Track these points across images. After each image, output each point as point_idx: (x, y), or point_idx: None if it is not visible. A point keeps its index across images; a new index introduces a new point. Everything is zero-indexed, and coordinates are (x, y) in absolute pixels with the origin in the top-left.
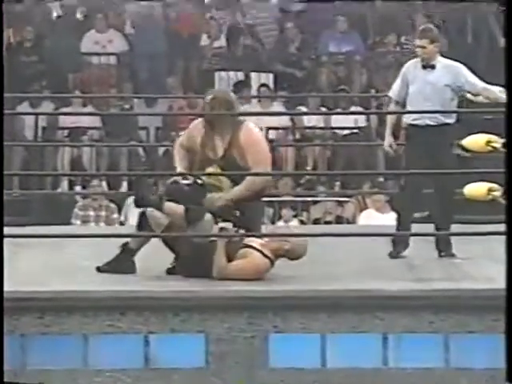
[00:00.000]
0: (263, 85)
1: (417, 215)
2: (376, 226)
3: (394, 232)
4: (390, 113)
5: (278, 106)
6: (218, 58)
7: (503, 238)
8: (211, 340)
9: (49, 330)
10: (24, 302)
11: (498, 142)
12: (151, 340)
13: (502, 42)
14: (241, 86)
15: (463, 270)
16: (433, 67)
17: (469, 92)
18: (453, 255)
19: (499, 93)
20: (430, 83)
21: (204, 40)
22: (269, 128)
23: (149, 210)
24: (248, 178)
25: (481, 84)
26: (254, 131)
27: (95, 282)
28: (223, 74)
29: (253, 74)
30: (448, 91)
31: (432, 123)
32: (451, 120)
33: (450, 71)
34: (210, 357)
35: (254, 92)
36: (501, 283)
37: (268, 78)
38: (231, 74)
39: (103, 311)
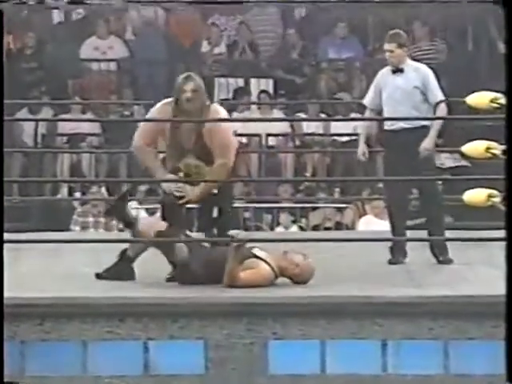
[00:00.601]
0: (263, 91)
1: (417, 221)
2: (375, 231)
3: (393, 238)
4: (388, 119)
5: (277, 113)
6: (218, 64)
7: (503, 244)
8: (210, 346)
9: (48, 336)
10: (24, 309)
11: (497, 148)
12: (150, 346)
13: (502, 47)
14: (241, 93)
15: (462, 276)
16: (401, 71)
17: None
18: (451, 260)
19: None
20: (400, 87)
21: (204, 46)
22: (268, 134)
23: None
24: (213, 168)
25: (439, 98)
26: (220, 113)
27: (94, 289)
28: (223, 80)
29: (252, 81)
30: (418, 93)
31: (408, 126)
32: (428, 123)
33: (418, 73)
34: (210, 363)
35: (253, 98)
36: (500, 289)
37: (268, 85)
38: (231, 80)
39: (102, 318)
